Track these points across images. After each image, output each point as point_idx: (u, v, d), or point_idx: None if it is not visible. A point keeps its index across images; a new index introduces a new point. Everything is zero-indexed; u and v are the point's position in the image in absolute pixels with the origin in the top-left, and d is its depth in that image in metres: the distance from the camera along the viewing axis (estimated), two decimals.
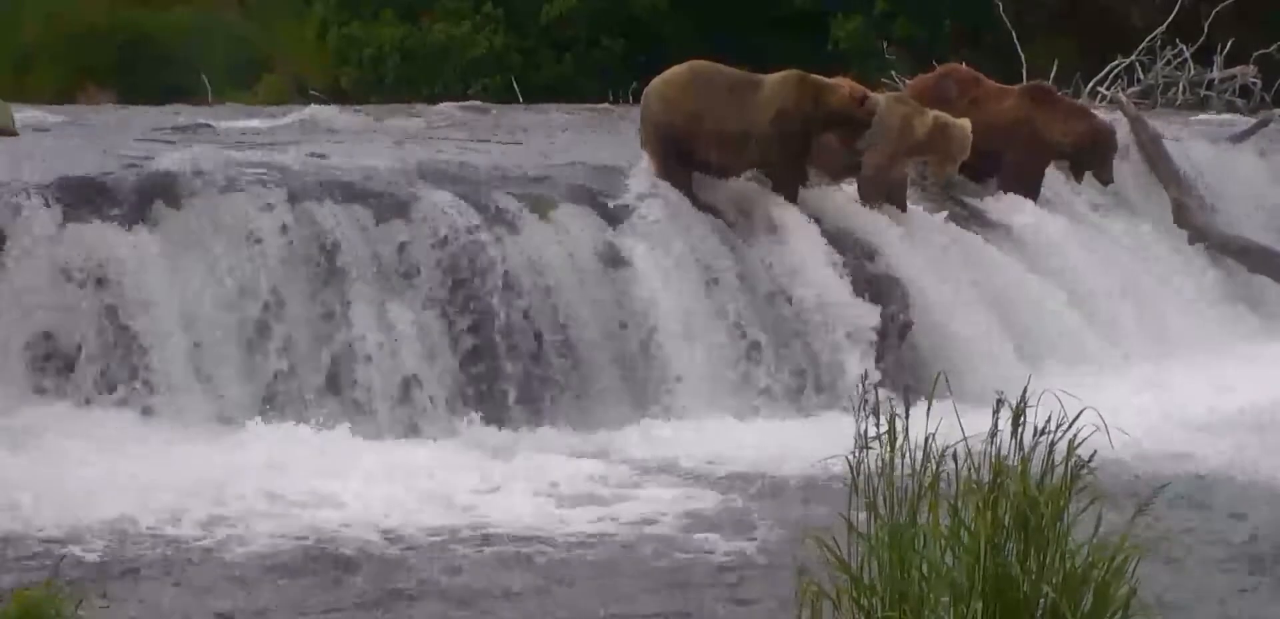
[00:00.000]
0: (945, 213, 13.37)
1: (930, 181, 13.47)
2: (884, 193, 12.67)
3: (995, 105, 14.11)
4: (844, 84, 12.33)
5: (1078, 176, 14.67)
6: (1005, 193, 14.08)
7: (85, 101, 28.57)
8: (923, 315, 11.87)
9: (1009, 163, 13.96)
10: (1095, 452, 5.32)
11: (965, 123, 12.72)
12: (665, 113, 12.10)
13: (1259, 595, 7.35)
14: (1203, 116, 20.33)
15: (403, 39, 32.08)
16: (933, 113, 12.70)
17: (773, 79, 12.15)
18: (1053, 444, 5.24)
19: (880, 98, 12.59)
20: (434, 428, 10.25)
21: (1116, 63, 21.58)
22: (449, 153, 13.60)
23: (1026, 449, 5.23)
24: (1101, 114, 16.28)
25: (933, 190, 13.62)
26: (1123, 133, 16.33)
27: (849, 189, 12.74)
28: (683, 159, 12.08)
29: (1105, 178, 14.49)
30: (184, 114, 21.46)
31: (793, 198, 12.21)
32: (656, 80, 12.37)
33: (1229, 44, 21.97)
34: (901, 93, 14.30)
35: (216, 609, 7.07)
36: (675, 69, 12.33)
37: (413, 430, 10.20)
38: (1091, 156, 14.37)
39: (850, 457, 5.26)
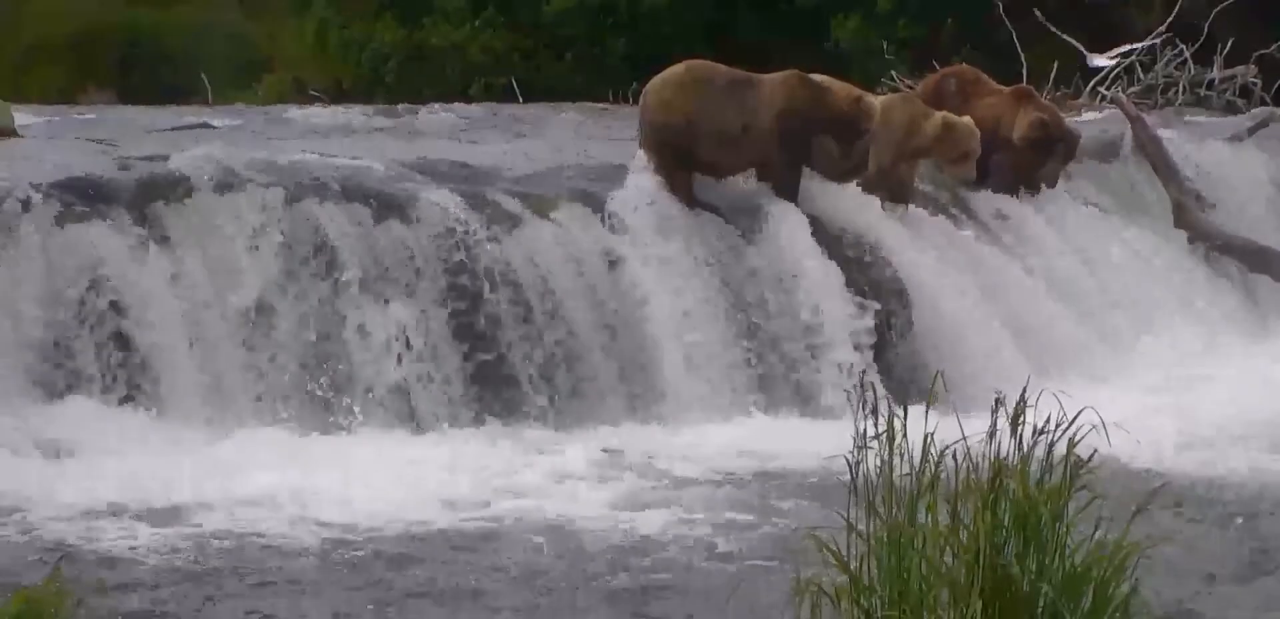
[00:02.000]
0: (944, 213, 13.36)
1: (952, 182, 13.46)
2: (888, 193, 12.68)
3: (980, 105, 14.03)
4: (842, 87, 12.32)
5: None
6: (997, 193, 14.03)
7: (85, 101, 28.53)
8: (922, 316, 11.87)
9: (997, 163, 13.89)
10: (1094, 452, 5.33)
11: (969, 120, 12.74)
12: (663, 113, 12.10)
13: (1258, 596, 7.34)
14: (1203, 117, 20.31)
15: (403, 40, 32.04)
16: (940, 114, 12.71)
17: (771, 79, 12.15)
18: (1052, 444, 5.25)
19: (875, 100, 12.60)
20: (432, 428, 10.26)
21: (1117, 63, 21.54)
22: (449, 152, 13.59)
23: (1026, 449, 5.23)
24: (1091, 116, 16.26)
25: (937, 191, 13.60)
26: (1124, 133, 16.33)
27: (850, 189, 12.73)
28: (681, 159, 12.07)
29: (1048, 180, 14.19)
30: (184, 114, 21.45)
31: (792, 198, 12.20)
32: (654, 80, 12.37)
33: (1229, 44, 21.95)
34: (908, 94, 14.28)
35: (217, 609, 7.07)
36: (673, 69, 12.33)
37: (412, 430, 10.21)
38: (1035, 154, 14.10)
39: (849, 457, 5.26)
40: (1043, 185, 14.17)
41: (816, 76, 12.39)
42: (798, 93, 12.06)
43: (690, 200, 12.00)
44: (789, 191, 12.22)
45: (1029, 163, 14.06)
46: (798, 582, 5.29)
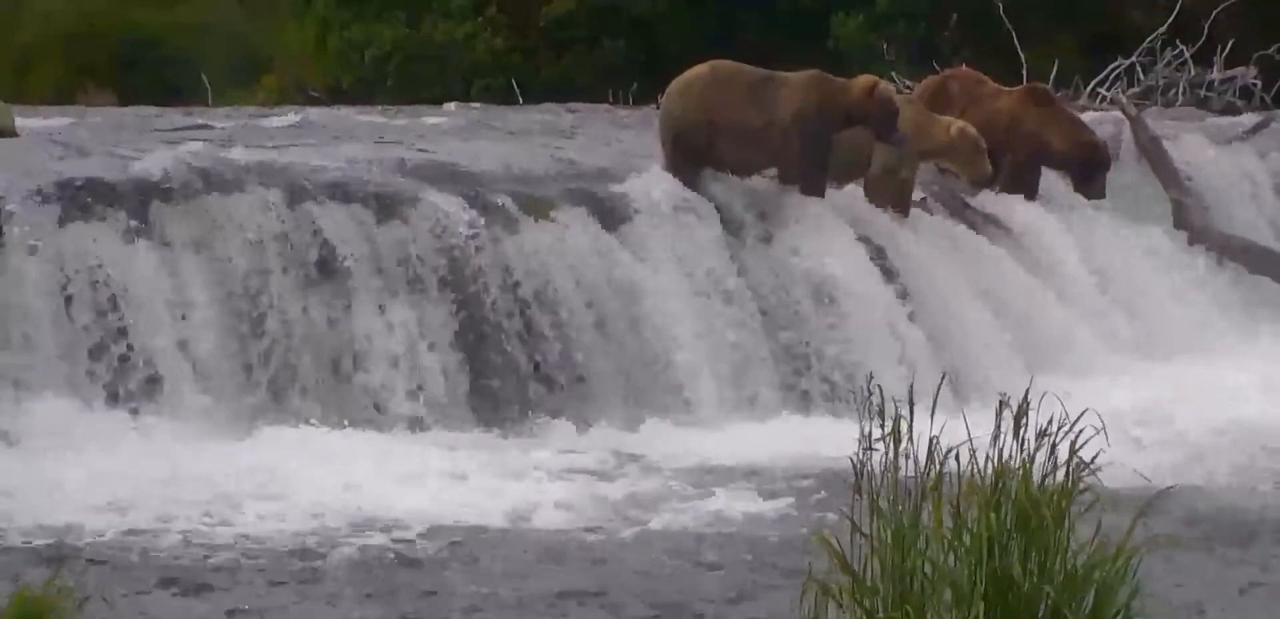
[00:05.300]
0: (947, 213, 13.41)
1: (961, 186, 13.56)
2: (891, 193, 12.72)
3: (992, 105, 14.17)
4: (859, 80, 12.31)
5: (1076, 186, 14.59)
6: (1003, 193, 14.08)
7: (85, 101, 28.52)
8: (926, 316, 11.88)
9: (1005, 163, 13.97)
10: (1098, 454, 5.33)
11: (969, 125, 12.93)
12: (683, 110, 12.13)
13: (1259, 598, 7.34)
14: (1206, 118, 20.31)
15: (403, 40, 32.05)
16: (950, 119, 12.90)
17: (793, 78, 12.15)
18: (1055, 446, 5.25)
19: (893, 89, 12.68)
20: (433, 429, 10.26)
21: (1117, 64, 21.56)
22: (449, 153, 13.58)
23: (1028, 451, 5.23)
24: (1100, 120, 16.34)
25: (943, 192, 13.66)
26: (1123, 135, 16.35)
27: (854, 190, 12.79)
28: (699, 156, 12.10)
29: (1096, 194, 14.43)
30: (183, 114, 21.45)
31: (819, 195, 12.20)
32: (678, 79, 12.40)
33: (1229, 45, 21.96)
34: (912, 96, 14.34)
35: (217, 610, 7.06)
36: (697, 68, 12.36)
37: (412, 431, 10.20)
38: (1083, 171, 14.34)
39: (854, 457, 5.26)
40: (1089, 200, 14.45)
41: (834, 76, 12.39)
42: (813, 92, 12.05)
43: (698, 197, 11.98)
44: (816, 189, 12.21)
45: (1071, 175, 14.28)
46: (801, 581, 5.30)
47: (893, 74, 21.85)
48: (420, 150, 13.70)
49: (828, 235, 12.04)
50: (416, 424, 10.26)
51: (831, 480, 5.67)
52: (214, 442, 9.69)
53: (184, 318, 10.22)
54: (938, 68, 17.62)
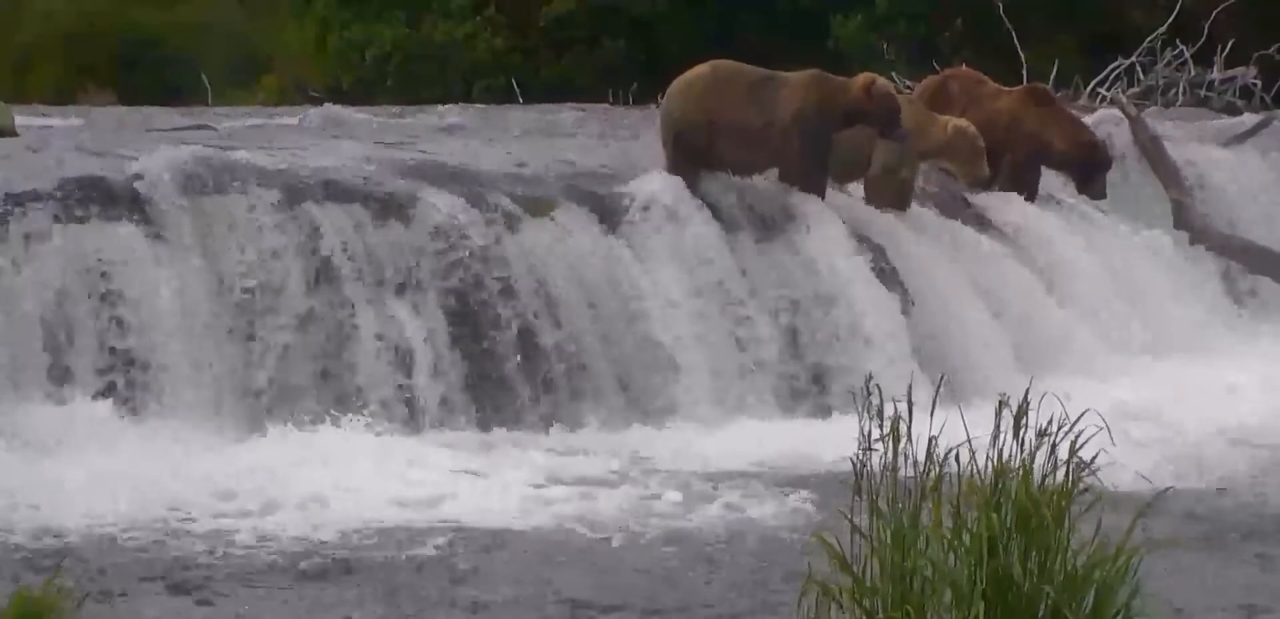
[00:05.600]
0: (947, 213, 13.42)
1: (961, 185, 13.59)
2: (891, 193, 12.73)
3: (992, 105, 14.22)
4: (858, 79, 12.33)
5: (1078, 187, 14.64)
6: (1003, 193, 14.10)
7: (85, 101, 28.58)
8: (925, 316, 11.88)
9: (1005, 163, 14.01)
10: (1098, 454, 5.33)
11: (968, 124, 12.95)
12: (683, 110, 12.12)
13: (1259, 598, 7.34)
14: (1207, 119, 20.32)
15: (403, 40, 32.08)
16: (950, 119, 12.92)
17: (793, 78, 12.15)
18: (1054, 446, 5.25)
19: (891, 85, 12.69)
20: (433, 429, 10.25)
21: (1117, 63, 21.57)
22: (449, 153, 13.59)
23: (1028, 451, 5.23)
24: (1101, 119, 16.36)
25: (943, 192, 13.67)
26: (1122, 134, 16.38)
27: (854, 190, 12.79)
28: (699, 156, 12.08)
29: (1097, 194, 14.49)
30: (183, 114, 21.47)
31: (820, 194, 12.21)
32: (678, 79, 12.39)
33: (1229, 45, 21.97)
34: (912, 96, 14.37)
35: (215, 610, 7.06)
36: (697, 68, 12.35)
37: (412, 432, 10.20)
38: (1085, 171, 14.39)
39: (854, 457, 5.26)
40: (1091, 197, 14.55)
41: (834, 76, 12.39)
42: (813, 92, 12.05)
43: (698, 197, 11.98)
44: (816, 189, 12.22)
45: (1072, 175, 14.35)
46: (801, 582, 5.30)
47: (893, 74, 21.86)
48: (420, 150, 13.73)
49: (827, 235, 12.03)
50: (416, 424, 10.26)
51: (831, 480, 5.67)
52: (214, 442, 9.69)
53: (184, 317, 10.22)
54: (938, 68, 17.65)
